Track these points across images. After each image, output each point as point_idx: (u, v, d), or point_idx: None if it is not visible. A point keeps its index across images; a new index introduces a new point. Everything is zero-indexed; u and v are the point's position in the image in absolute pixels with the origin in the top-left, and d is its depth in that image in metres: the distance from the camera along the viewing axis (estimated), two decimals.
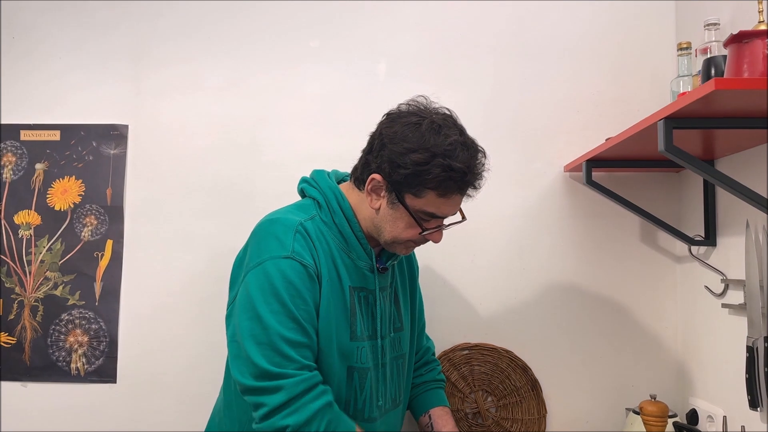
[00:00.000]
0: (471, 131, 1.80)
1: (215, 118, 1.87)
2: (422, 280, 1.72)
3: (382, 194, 1.23)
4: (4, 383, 1.84)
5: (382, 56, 1.86)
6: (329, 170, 1.38)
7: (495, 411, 1.76)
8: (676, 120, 1.11)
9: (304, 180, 1.36)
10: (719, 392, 1.54)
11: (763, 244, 1.34)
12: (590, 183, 1.61)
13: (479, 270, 1.80)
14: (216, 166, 1.86)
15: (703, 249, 1.63)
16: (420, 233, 1.23)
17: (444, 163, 1.14)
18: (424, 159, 1.14)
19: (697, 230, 1.63)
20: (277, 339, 1.13)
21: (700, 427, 1.58)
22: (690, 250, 1.65)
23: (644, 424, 1.44)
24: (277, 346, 1.13)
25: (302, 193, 1.36)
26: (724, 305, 1.49)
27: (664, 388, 1.73)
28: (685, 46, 1.52)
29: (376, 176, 1.21)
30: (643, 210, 1.63)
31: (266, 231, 1.24)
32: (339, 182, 1.35)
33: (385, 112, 1.26)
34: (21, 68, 1.90)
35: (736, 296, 1.47)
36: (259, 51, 1.88)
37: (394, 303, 1.42)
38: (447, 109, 1.25)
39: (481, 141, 1.79)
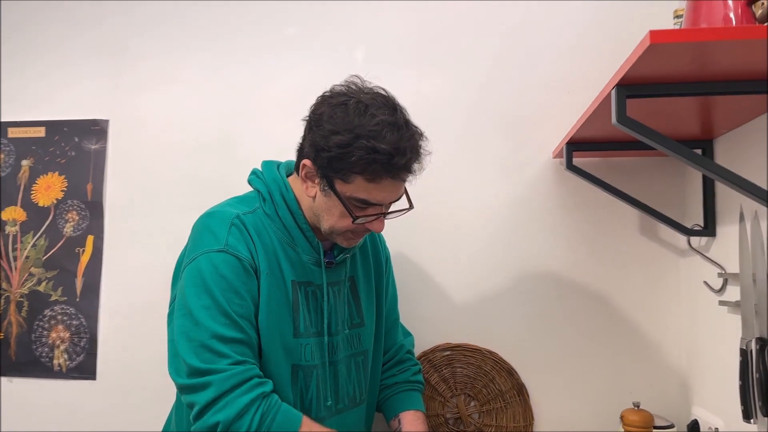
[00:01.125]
0: (456, 118, 1.72)
1: (192, 112, 1.83)
2: (400, 275, 1.63)
3: (315, 181, 1.16)
4: None
5: (362, 42, 1.77)
6: (284, 161, 1.32)
7: (478, 417, 1.63)
8: (629, 87, 0.98)
9: (253, 172, 1.30)
10: (719, 401, 1.36)
11: (755, 233, 1.17)
12: (571, 168, 1.47)
13: (462, 265, 1.68)
14: (194, 161, 1.82)
15: (704, 240, 1.46)
16: (353, 221, 1.13)
17: (367, 145, 1.05)
18: (346, 141, 1.06)
19: (697, 219, 1.46)
20: (208, 335, 1.08)
21: None
22: (689, 241, 1.48)
23: None
24: (208, 342, 1.08)
25: (250, 184, 1.30)
26: (721, 302, 1.32)
27: (664, 396, 1.56)
28: (680, 13, 1.36)
29: (307, 162, 1.15)
30: (632, 197, 1.47)
31: (202, 225, 1.21)
32: (290, 174, 1.29)
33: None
34: (7, 66, 1.92)
35: (735, 292, 1.29)
36: (235, 42, 1.82)
37: (353, 297, 1.33)
38: (382, 89, 1.15)
39: (466, 128, 1.72)
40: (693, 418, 1.45)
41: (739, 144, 1.29)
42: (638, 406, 1.30)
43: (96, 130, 1.87)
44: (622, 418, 1.29)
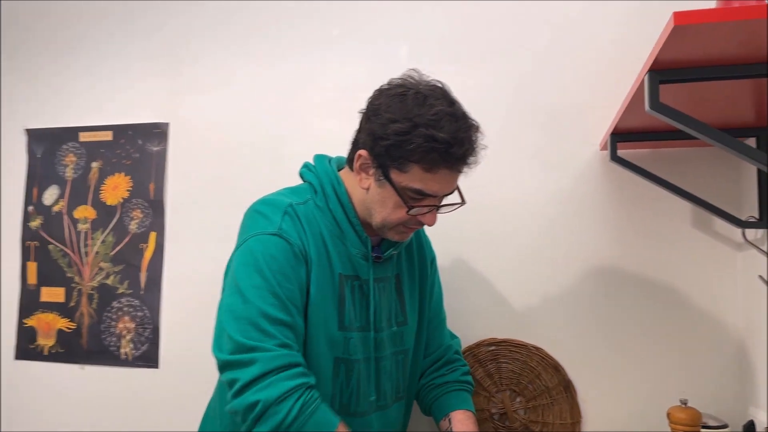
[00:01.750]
0: (498, 111, 1.71)
1: (244, 113, 1.91)
2: (445, 271, 1.64)
3: (370, 172, 1.17)
4: (65, 365, 2.00)
5: (404, 39, 1.80)
6: (334, 156, 1.34)
7: (524, 413, 1.62)
8: (662, 73, 0.95)
9: (305, 165, 1.33)
10: None
11: None
12: (615, 159, 1.44)
13: (507, 260, 1.67)
14: (246, 159, 1.89)
15: (760, 233, 1.39)
16: (407, 212, 1.14)
17: (426, 133, 1.06)
18: (405, 129, 1.08)
19: (752, 211, 1.39)
20: (256, 313, 1.08)
21: None
22: (744, 234, 1.42)
23: None
24: (256, 320, 1.07)
25: (302, 177, 1.33)
26: None
27: (718, 395, 1.49)
28: None
29: (363, 152, 1.16)
30: (682, 189, 1.42)
31: (255, 211, 1.22)
32: (341, 168, 1.31)
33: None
34: (77, 73, 2.07)
35: None
36: (282, 44, 1.89)
37: (398, 295, 1.34)
38: (439, 81, 1.16)
39: (508, 121, 1.71)
40: (749, 419, 1.39)
41: None
42: (686, 404, 1.26)
43: (157, 132, 1.98)
44: (668, 415, 1.25)
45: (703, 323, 1.53)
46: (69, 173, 2.06)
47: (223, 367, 1.10)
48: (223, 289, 1.23)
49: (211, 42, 1.96)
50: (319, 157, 1.32)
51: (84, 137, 2.06)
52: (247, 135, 1.91)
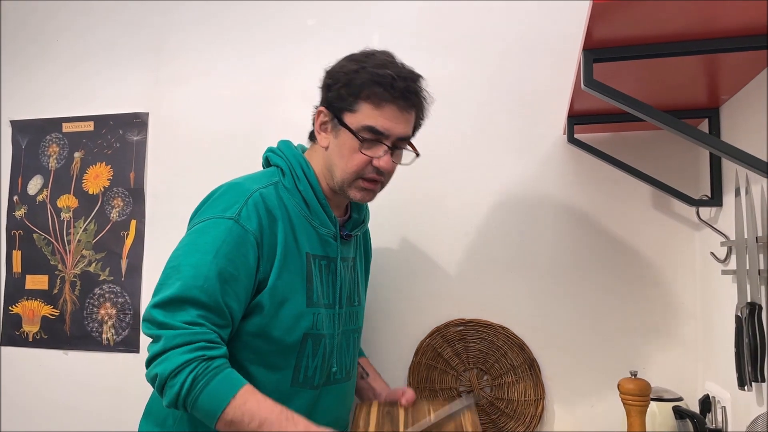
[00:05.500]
0: (472, 99, 1.75)
1: (223, 103, 1.95)
2: (414, 253, 1.70)
3: (328, 129, 1.26)
4: (49, 351, 2.04)
5: (377, 28, 1.84)
6: (299, 143, 1.40)
7: (490, 391, 1.66)
8: (595, 51, 0.99)
9: (269, 150, 1.37)
10: (726, 374, 1.33)
11: (748, 200, 1.15)
12: (573, 141, 1.48)
13: (474, 242, 1.71)
14: (225, 148, 1.93)
15: (713, 211, 1.43)
16: (360, 149, 1.21)
17: (372, 71, 1.18)
18: (354, 69, 1.20)
19: (706, 190, 1.43)
20: (179, 292, 1.09)
21: (714, 414, 1.38)
22: (698, 213, 1.46)
23: (623, 403, 1.29)
24: (176, 298, 1.08)
25: (266, 161, 1.37)
26: (724, 272, 1.29)
27: (678, 371, 1.54)
28: None
29: (321, 108, 1.26)
30: (639, 171, 1.45)
31: (220, 193, 1.24)
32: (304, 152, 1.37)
33: None
34: (60, 65, 2.11)
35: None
36: (259, 35, 1.93)
37: (356, 276, 1.42)
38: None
39: (482, 108, 1.74)
40: (705, 393, 1.43)
41: (746, 109, 1.25)
42: (635, 375, 1.29)
43: (137, 122, 2.03)
44: (618, 386, 1.29)
45: (663, 301, 1.57)
46: (52, 163, 2.10)
47: (148, 338, 1.13)
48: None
49: (191, 34, 2.00)
50: (284, 142, 1.36)
51: (67, 128, 2.10)
52: (225, 124, 1.95)
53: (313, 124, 1.30)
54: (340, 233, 1.31)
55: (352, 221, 1.39)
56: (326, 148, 1.26)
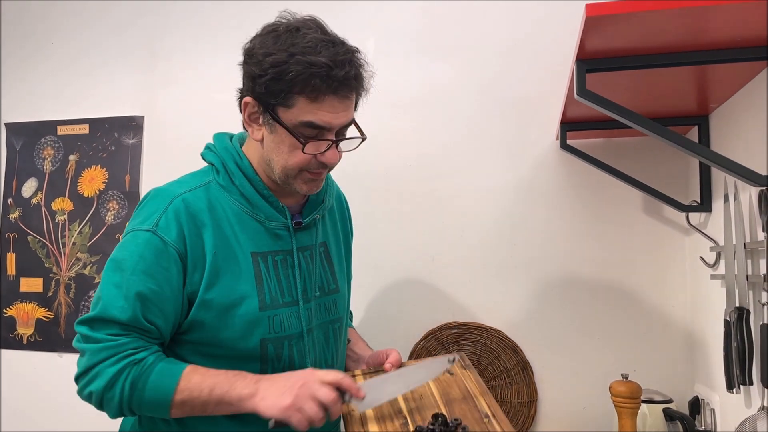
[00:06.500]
0: (466, 102, 1.77)
1: (216, 105, 1.94)
2: (408, 257, 1.71)
3: (260, 121, 1.11)
4: (43, 353, 2.05)
5: (371, 34, 1.86)
6: (237, 133, 1.28)
7: None
8: (588, 62, 1.01)
9: (206, 146, 1.26)
10: (715, 377, 1.36)
11: (736, 206, 1.18)
12: (565, 147, 1.50)
13: (469, 246, 1.73)
14: None
15: (703, 216, 1.45)
16: (303, 150, 1.08)
17: (303, 59, 1.01)
18: (281, 59, 1.03)
19: (696, 196, 1.46)
20: (102, 312, 1.05)
21: (703, 416, 1.41)
22: (687, 218, 1.48)
23: (614, 405, 1.31)
24: (99, 317, 1.06)
25: (203, 159, 1.26)
26: (713, 276, 1.32)
27: (669, 374, 1.56)
28: None
29: (247, 99, 1.11)
30: (630, 177, 1.48)
31: (143, 201, 1.17)
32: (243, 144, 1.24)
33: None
34: (53, 68, 2.12)
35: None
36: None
37: (327, 263, 1.29)
38: (312, 15, 1.12)
39: (475, 112, 1.76)
40: (695, 395, 1.46)
41: (735, 116, 1.28)
42: (627, 378, 1.32)
43: (133, 125, 2.04)
44: (610, 389, 1.32)
45: (653, 305, 1.60)
46: (47, 166, 2.11)
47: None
48: None
49: (186, 37, 2.02)
50: (218, 135, 1.26)
51: (62, 131, 2.11)
52: (221, 128, 1.94)
53: (241, 112, 1.15)
54: (292, 223, 1.19)
55: (310, 204, 1.25)
56: (260, 141, 1.13)
